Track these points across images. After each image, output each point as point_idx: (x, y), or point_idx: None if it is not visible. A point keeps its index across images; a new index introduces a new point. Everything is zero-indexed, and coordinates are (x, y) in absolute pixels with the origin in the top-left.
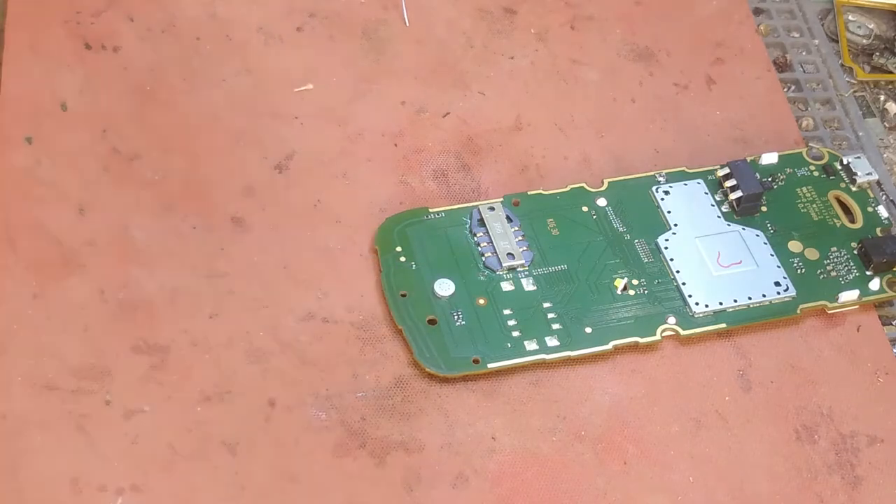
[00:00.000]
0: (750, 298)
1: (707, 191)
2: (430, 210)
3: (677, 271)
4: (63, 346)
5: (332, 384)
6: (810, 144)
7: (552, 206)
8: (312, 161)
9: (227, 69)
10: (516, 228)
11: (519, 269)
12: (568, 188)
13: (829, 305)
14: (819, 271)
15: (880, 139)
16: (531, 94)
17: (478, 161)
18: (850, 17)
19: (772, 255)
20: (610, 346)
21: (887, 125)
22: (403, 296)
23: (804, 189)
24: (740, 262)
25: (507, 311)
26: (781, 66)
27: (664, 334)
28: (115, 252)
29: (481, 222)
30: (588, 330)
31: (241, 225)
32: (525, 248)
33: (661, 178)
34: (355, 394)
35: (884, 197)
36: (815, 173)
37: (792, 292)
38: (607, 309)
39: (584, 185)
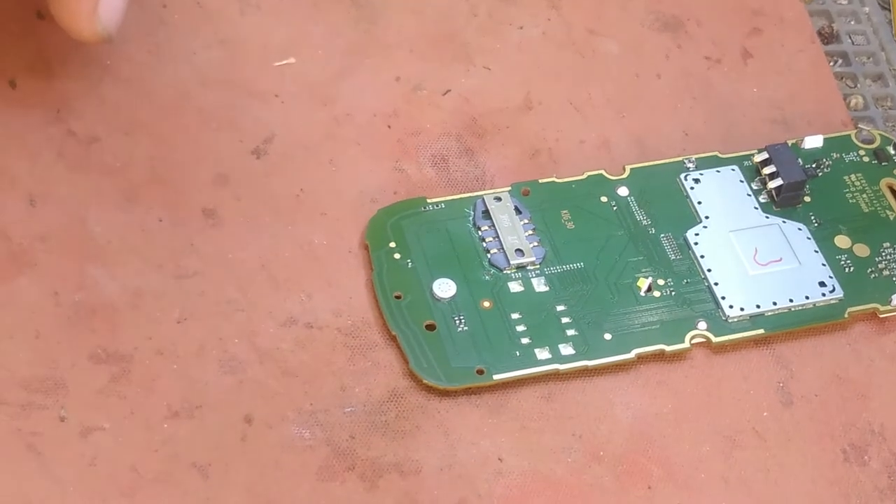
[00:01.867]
0: (791, 301)
1: (742, 179)
2: (429, 200)
3: (709, 270)
4: (11, 355)
5: (316, 398)
6: (860, 126)
7: (567, 196)
8: (295, 145)
9: (198, 41)
10: (526, 221)
11: (529, 268)
12: (585, 176)
13: (882, 308)
14: (870, 270)
15: None
16: (543, 69)
17: (482, 145)
18: None
19: (816, 252)
20: (632, 354)
21: None
22: (398, 298)
23: (853, 177)
24: (780, 259)
25: (515, 315)
26: (827, 37)
27: (694, 341)
28: (70, 248)
29: (486, 214)
30: (607, 336)
31: (213, 217)
32: (536, 244)
33: (690, 165)
34: (343, 409)
35: None
36: (866, 159)
37: (839, 294)
38: (629, 313)
39: (602, 172)
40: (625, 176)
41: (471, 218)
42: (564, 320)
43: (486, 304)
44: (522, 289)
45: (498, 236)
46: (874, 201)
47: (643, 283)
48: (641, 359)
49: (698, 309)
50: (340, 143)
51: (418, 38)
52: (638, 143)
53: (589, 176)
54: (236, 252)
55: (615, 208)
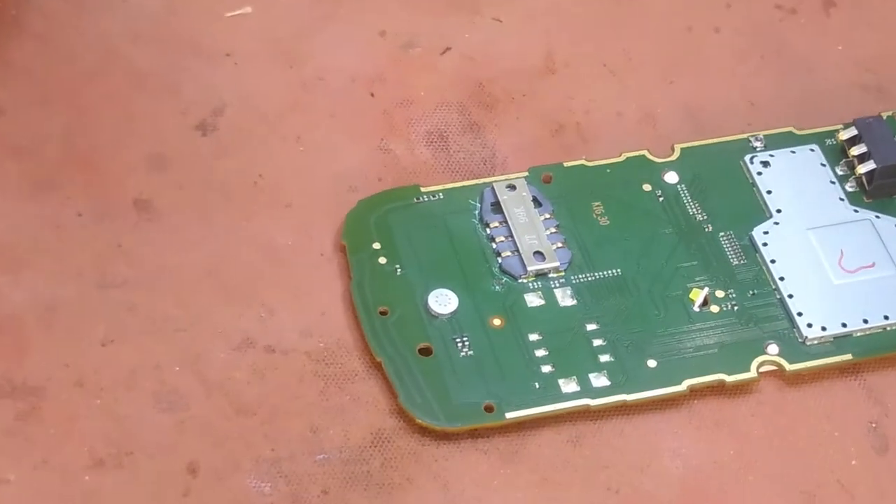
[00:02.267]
0: (887, 318)
1: (824, 161)
2: (423, 189)
3: (781, 279)
4: None
5: (280, 442)
6: None
7: (600, 184)
8: (251, 118)
9: None
10: (547, 216)
11: (551, 275)
12: (623, 158)
13: None
14: None
15: None
16: (568, 21)
17: (492, 118)
18: None
19: None
20: (684, 386)
21: None
22: (384, 314)
23: None
24: (872, 264)
25: (533, 337)
26: None
27: (762, 370)
28: None
29: (497, 207)
30: (652, 364)
31: (147, 210)
32: (560, 245)
33: (757, 143)
34: (314, 456)
35: None
36: None
37: None
38: (680, 333)
39: (645, 152)
40: (674, 158)
41: (477, 212)
42: (597, 343)
43: (497, 321)
44: (543, 302)
45: (511, 235)
46: None
47: (697, 296)
48: (695, 392)
49: (768, 328)
50: (310, 116)
51: None
52: (690, 116)
53: (628, 158)
54: (177, 255)
55: (661, 199)
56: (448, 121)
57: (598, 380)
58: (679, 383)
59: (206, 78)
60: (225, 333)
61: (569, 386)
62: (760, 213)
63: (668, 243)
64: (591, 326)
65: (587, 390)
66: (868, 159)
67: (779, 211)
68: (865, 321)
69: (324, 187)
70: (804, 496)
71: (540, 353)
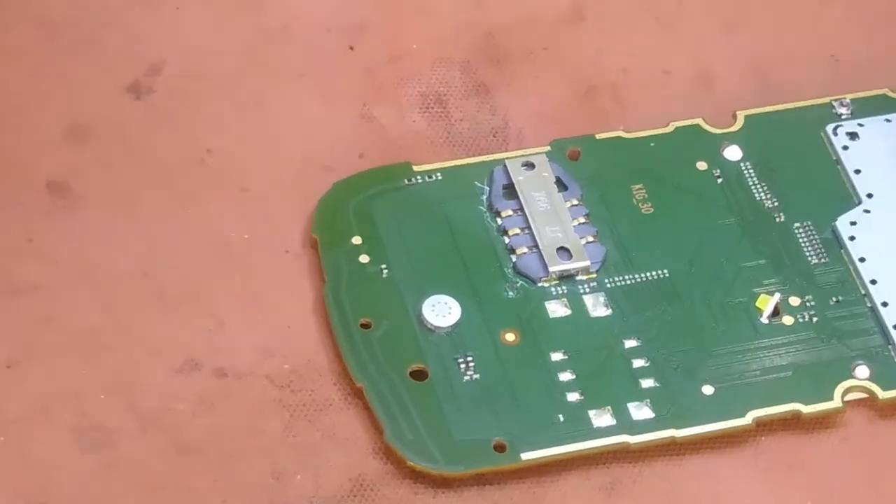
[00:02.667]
0: None
1: None
2: (416, 168)
3: (872, 282)
4: None
5: (234, 490)
6: None
7: (642, 162)
8: (197, 77)
9: None
10: (575, 202)
11: (579, 278)
12: (671, 128)
13: None
14: None
15: None
16: None
17: (504, 77)
18: None
19: None
20: (748, 419)
21: None
22: (366, 327)
23: None
24: None
25: (557, 356)
26: None
27: (849, 398)
28: None
29: (510, 191)
30: (707, 390)
31: (65, 195)
32: (591, 239)
33: (842, 110)
34: None
35: None
36: None
37: None
38: (743, 351)
39: (699, 121)
40: (736, 128)
41: (485, 197)
42: (637, 364)
43: (510, 336)
44: (569, 312)
45: (529, 227)
46: None
47: (766, 304)
48: (763, 426)
49: (856, 345)
50: (273, 75)
51: None
52: (757, 75)
53: (678, 129)
54: (102, 252)
55: (720, 181)
56: (448, 81)
57: (640, 411)
58: (742, 415)
59: (139, 27)
60: (163, 352)
61: (602, 419)
62: (846, 198)
63: (728, 237)
64: (630, 343)
65: (625, 424)
66: None
67: (869, 196)
68: None
69: (289, 166)
70: None
71: (565, 376)
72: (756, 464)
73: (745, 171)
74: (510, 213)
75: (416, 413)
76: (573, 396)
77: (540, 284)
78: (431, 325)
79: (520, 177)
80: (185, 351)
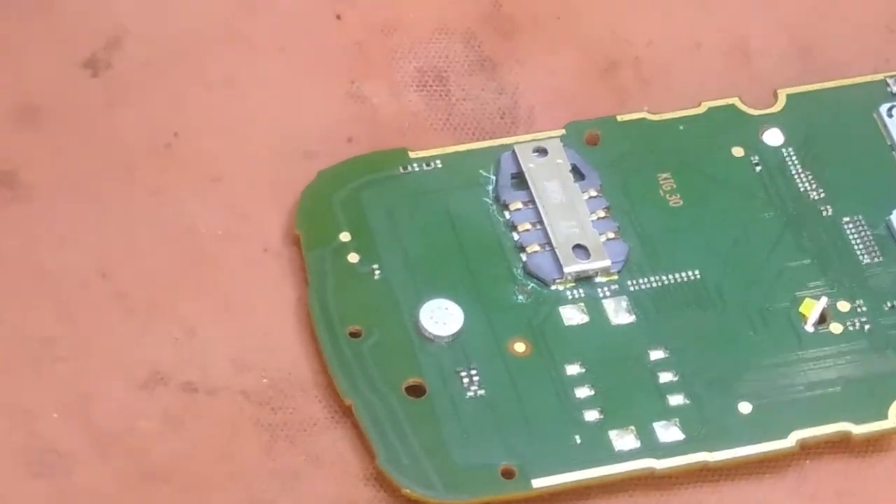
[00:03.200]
0: None
1: None
2: (413, 155)
3: None
4: None
5: None
6: None
7: (669, 147)
8: (162, 52)
9: None
10: (594, 193)
11: (599, 279)
12: (703, 108)
13: None
14: None
15: None
16: None
17: (513, 51)
18: None
19: None
20: (791, 441)
21: None
22: (355, 336)
23: None
24: None
25: (572, 369)
26: None
27: None
28: None
29: (520, 180)
30: (745, 408)
31: (12, 187)
32: (612, 235)
33: None
34: None
35: None
36: None
37: None
38: (786, 364)
39: (736, 101)
40: (777, 109)
41: (491, 188)
42: (664, 378)
43: (520, 347)
44: (587, 319)
45: (541, 221)
46: None
47: (811, 310)
48: (808, 449)
49: None
50: (248, 49)
51: None
52: (801, 49)
53: (710, 109)
54: (55, 250)
55: (759, 169)
56: (449, 55)
57: (668, 432)
58: (785, 436)
59: None
60: (125, 364)
61: (624, 440)
62: None
63: (768, 233)
64: (656, 354)
65: (651, 447)
66: None
67: None
68: None
69: (268, 152)
70: None
71: (582, 392)
72: (800, 491)
73: (788, 158)
74: (520, 205)
75: (413, 434)
76: (591, 415)
77: (553, 287)
78: (430, 333)
79: (531, 164)
80: (149, 363)
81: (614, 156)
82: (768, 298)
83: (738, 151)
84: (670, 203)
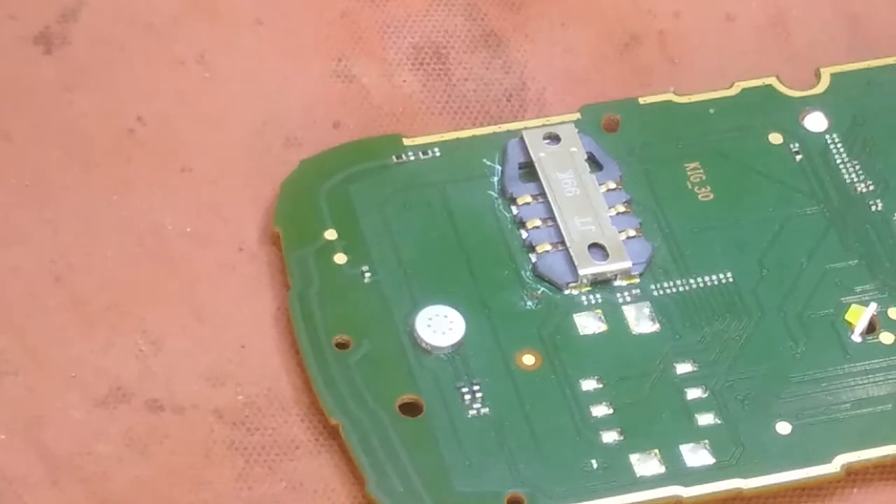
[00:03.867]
0: None
1: None
2: (408, 142)
3: None
4: None
5: None
6: None
7: (698, 133)
8: (123, 25)
9: None
10: (612, 185)
11: (618, 283)
12: (736, 89)
13: None
14: None
15: None
16: None
17: (521, 25)
18: None
19: None
20: (836, 466)
21: None
22: (343, 347)
23: None
24: None
25: (588, 385)
26: None
27: None
28: None
29: (529, 171)
30: (784, 429)
31: None
32: (633, 233)
33: None
34: None
35: None
36: None
37: None
38: (830, 379)
39: (772, 81)
40: (820, 90)
41: (496, 179)
42: (693, 394)
43: (529, 359)
44: (604, 327)
45: (553, 217)
46: None
47: (859, 317)
48: (855, 475)
49: None
50: (221, 22)
51: None
52: (848, 21)
53: (744, 90)
54: (4, 251)
55: (799, 158)
56: (449, 29)
57: (696, 455)
58: (828, 460)
59: None
60: (81, 379)
61: (647, 465)
62: None
63: (810, 231)
64: (683, 368)
65: (677, 472)
66: None
67: None
68: None
69: (243, 139)
70: None
71: (599, 411)
72: None
73: (832, 146)
74: (528, 199)
75: (408, 458)
76: (610, 437)
77: (567, 292)
78: (427, 344)
79: (541, 153)
80: (109, 378)
81: (636, 143)
82: (810, 305)
83: (775, 138)
84: (699, 197)
